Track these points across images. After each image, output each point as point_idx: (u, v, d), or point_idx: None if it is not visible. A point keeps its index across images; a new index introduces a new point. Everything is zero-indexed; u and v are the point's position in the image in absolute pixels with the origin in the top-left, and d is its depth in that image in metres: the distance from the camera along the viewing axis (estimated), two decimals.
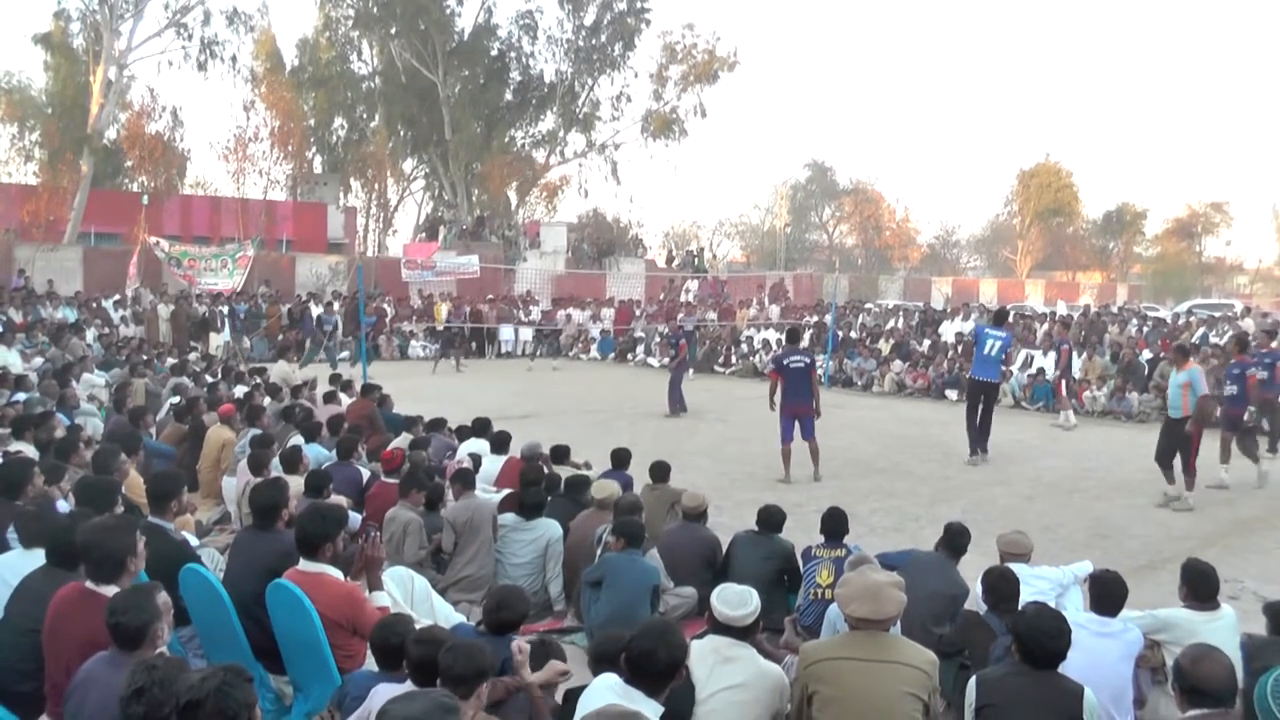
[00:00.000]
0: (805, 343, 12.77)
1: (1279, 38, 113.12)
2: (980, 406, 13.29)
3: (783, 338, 27.25)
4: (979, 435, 13.27)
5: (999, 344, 13.19)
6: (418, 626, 4.32)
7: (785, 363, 11.85)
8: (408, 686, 3.75)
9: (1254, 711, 3.08)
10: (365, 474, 8.64)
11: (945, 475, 12.38)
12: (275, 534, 5.42)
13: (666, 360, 21.30)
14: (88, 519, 4.75)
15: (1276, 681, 3.17)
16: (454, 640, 3.74)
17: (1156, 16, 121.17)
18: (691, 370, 25.06)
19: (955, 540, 6.23)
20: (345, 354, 26.22)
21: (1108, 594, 5.01)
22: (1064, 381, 17.33)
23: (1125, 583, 5.08)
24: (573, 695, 4.00)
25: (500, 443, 9.57)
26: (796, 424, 11.71)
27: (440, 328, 27.97)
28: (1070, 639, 4.02)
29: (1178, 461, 10.80)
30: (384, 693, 3.68)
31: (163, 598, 3.85)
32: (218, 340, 25.65)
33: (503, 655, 4.39)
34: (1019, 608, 4.92)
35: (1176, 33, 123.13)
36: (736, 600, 4.33)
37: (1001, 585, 5.38)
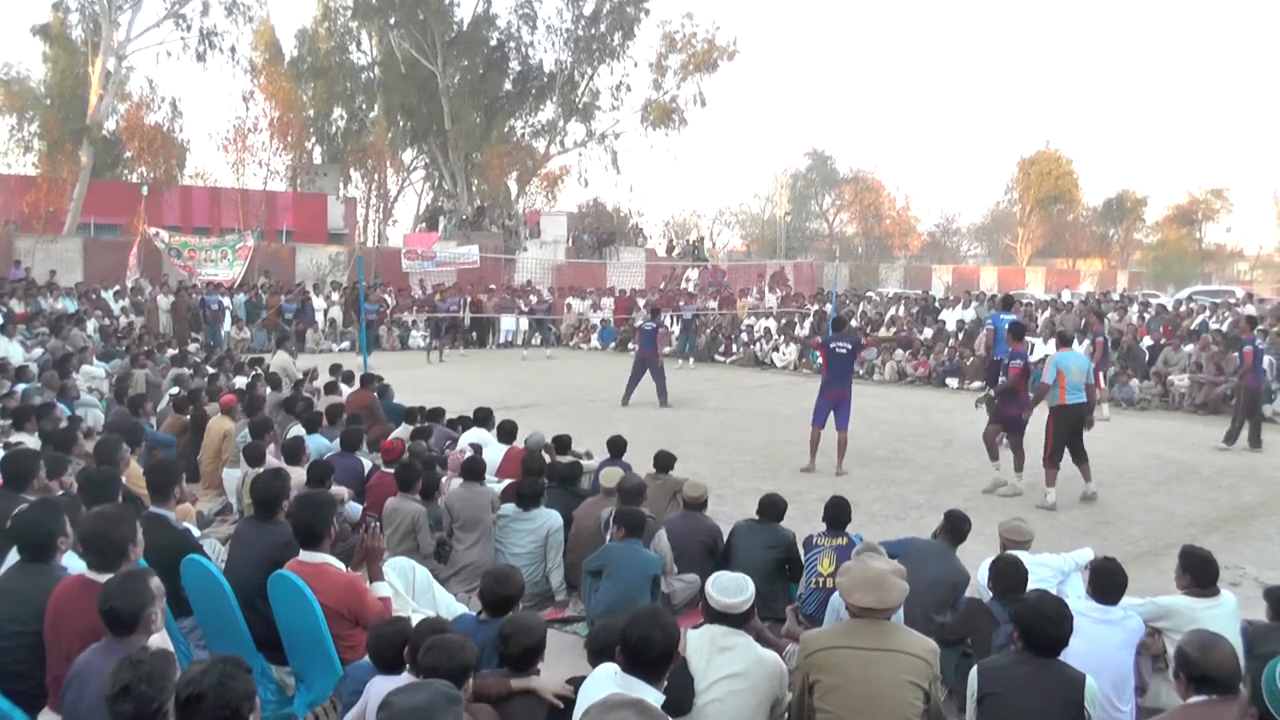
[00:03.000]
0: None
1: (1278, 24, 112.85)
2: None
3: (784, 326, 27.40)
4: None
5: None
6: (418, 618, 4.31)
7: (832, 346, 11.82)
8: (405, 679, 3.73)
9: (1261, 697, 3.06)
10: (367, 465, 8.64)
11: (946, 463, 12.38)
12: (276, 525, 5.41)
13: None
14: (46, 507, 4.74)
15: None
16: (435, 638, 3.70)
17: (1156, 4, 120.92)
18: (692, 359, 25.12)
19: (957, 527, 6.21)
20: (346, 344, 26.27)
21: (1108, 582, 5.00)
22: (1099, 374, 16.90)
23: (1125, 571, 5.07)
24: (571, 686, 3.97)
25: (506, 432, 9.57)
26: (832, 411, 11.66)
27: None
28: (1072, 625, 4.03)
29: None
30: (380, 686, 3.67)
31: (155, 582, 3.83)
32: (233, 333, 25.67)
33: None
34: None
35: (1176, 20, 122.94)
36: (733, 588, 4.33)
37: (1010, 573, 5.37)
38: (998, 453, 10.90)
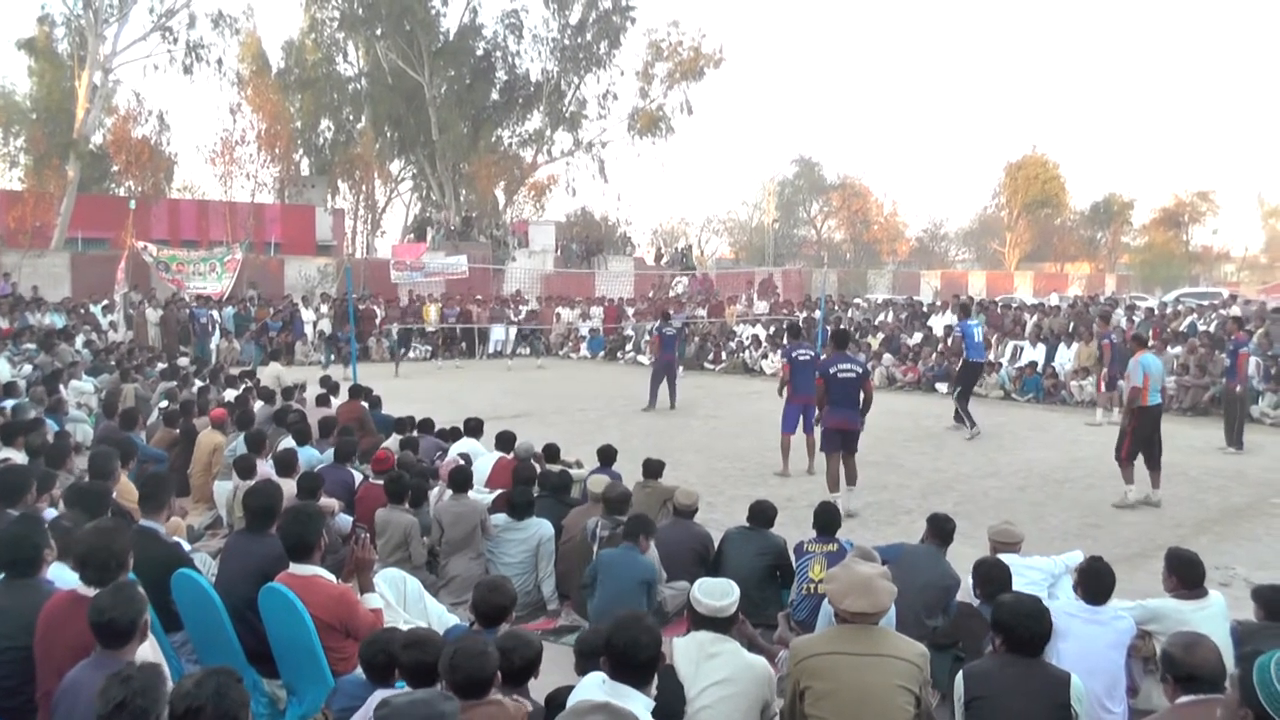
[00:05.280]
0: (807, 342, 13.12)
1: (1262, 27, 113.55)
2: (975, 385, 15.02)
3: (772, 334, 27.39)
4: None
5: (980, 330, 15.21)
6: (406, 630, 4.30)
7: (794, 355, 12.21)
8: (402, 689, 3.73)
9: (1253, 693, 3.07)
10: (358, 477, 8.63)
11: (937, 468, 12.41)
12: (267, 538, 5.39)
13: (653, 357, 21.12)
14: (29, 522, 4.73)
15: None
16: (456, 650, 3.57)
17: (1141, 8, 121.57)
18: (681, 368, 25.12)
19: (942, 528, 6.24)
20: (333, 357, 26.30)
21: (1095, 583, 5.02)
22: (1109, 377, 16.75)
23: (1113, 571, 5.09)
24: (558, 697, 3.96)
25: (502, 441, 9.55)
26: (801, 415, 11.90)
27: (431, 329, 27.89)
28: (1051, 622, 4.05)
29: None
30: (381, 698, 3.66)
31: (140, 592, 3.84)
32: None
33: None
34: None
35: (1161, 24, 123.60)
36: (718, 591, 4.35)
37: (994, 575, 5.40)
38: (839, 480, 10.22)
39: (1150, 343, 19.78)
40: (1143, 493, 10.49)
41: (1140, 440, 10.46)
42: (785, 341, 12.47)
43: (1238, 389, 13.95)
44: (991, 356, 21.85)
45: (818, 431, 10.90)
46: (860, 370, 10.20)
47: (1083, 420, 16.53)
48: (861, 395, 10.11)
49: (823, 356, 11.56)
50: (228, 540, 6.34)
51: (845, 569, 4.27)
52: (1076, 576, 5.18)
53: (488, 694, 3.49)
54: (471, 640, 3.58)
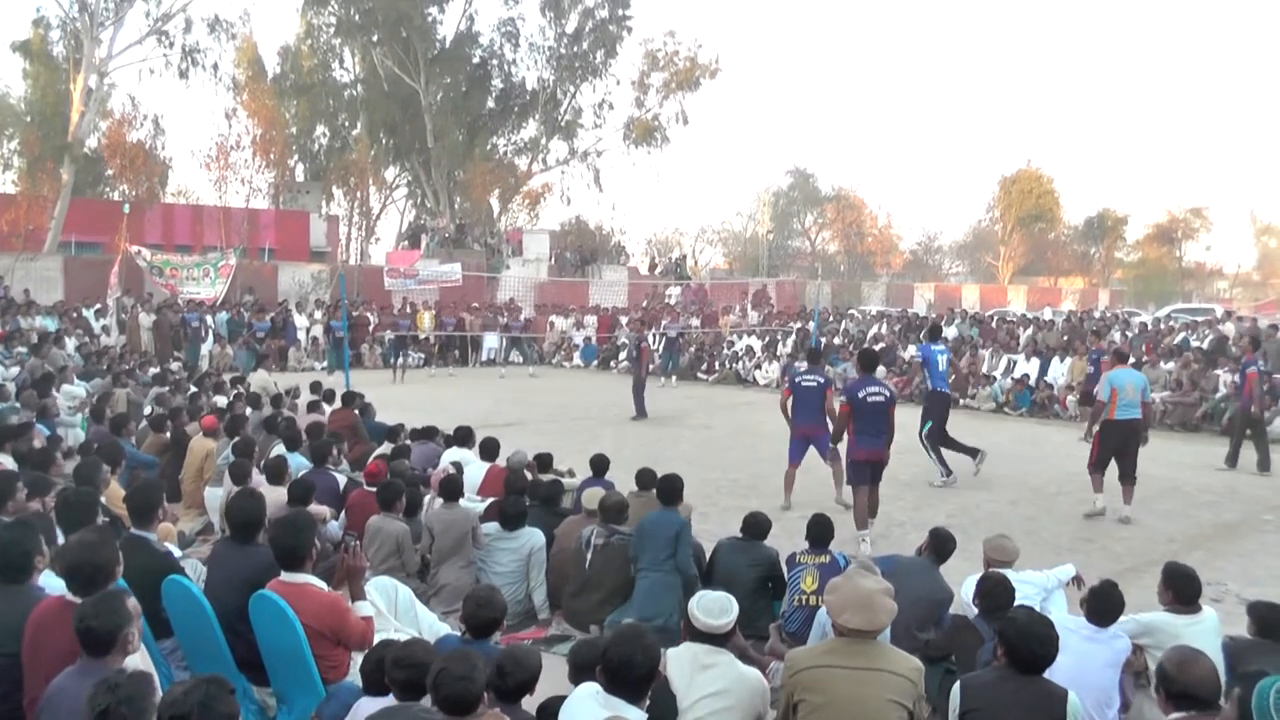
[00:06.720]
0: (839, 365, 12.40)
1: (1255, 44, 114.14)
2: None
3: (767, 344, 27.38)
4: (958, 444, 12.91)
5: (945, 358, 13.20)
6: (401, 638, 4.27)
7: (799, 381, 11.01)
8: (390, 701, 3.70)
9: (1250, 716, 3.07)
10: (342, 480, 8.60)
11: (929, 480, 12.38)
12: (254, 547, 5.37)
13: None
14: (22, 528, 4.70)
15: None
16: (441, 670, 3.48)
17: (1136, 24, 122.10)
18: (675, 377, 25.14)
19: (942, 545, 6.21)
20: (325, 363, 26.29)
21: (1103, 604, 5.01)
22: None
23: (1123, 596, 5.07)
24: (550, 706, 3.93)
25: (488, 449, 9.53)
26: (811, 445, 10.84)
27: (423, 336, 27.86)
28: (1058, 645, 4.03)
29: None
30: (366, 707, 3.64)
31: (132, 602, 3.79)
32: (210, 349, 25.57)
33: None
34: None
35: (1156, 40, 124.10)
36: (717, 609, 4.32)
37: (998, 592, 5.38)
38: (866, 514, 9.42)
39: (1144, 358, 20.13)
40: (1113, 508, 10.54)
41: (1107, 450, 10.56)
42: (797, 362, 11.14)
43: (1237, 408, 13.94)
44: (987, 371, 21.87)
45: (843, 458, 9.82)
46: (889, 395, 9.44)
47: (1076, 435, 16.52)
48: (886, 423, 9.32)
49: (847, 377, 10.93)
50: (214, 548, 6.29)
51: (849, 581, 4.21)
52: (1086, 594, 5.17)
53: (474, 711, 3.45)
54: (458, 661, 3.51)
